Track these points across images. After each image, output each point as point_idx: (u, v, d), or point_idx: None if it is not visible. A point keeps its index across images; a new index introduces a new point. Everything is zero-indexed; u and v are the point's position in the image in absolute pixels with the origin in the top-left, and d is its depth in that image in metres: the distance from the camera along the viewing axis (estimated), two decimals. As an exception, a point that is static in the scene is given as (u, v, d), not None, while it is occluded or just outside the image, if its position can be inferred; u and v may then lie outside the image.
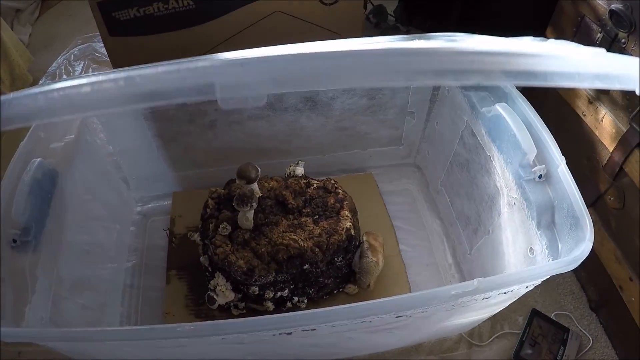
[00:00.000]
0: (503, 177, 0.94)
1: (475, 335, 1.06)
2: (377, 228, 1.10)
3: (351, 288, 1.04)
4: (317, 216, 0.98)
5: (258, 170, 0.94)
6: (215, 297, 0.96)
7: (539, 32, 1.50)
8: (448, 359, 1.03)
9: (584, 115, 1.07)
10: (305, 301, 1.01)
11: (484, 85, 1.01)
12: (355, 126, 1.16)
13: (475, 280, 0.73)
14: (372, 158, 1.27)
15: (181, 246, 1.12)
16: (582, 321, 1.10)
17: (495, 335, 1.06)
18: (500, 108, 0.93)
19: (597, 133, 1.04)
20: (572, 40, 0.61)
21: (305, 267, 0.94)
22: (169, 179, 1.21)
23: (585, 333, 1.08)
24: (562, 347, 1.06)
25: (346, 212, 0.98)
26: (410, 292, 1.06)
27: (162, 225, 1.17)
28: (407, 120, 1.18)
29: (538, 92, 0.98)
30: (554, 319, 1.10)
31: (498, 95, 0.97)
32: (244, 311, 1.02)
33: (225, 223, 0.96)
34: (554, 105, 1.11)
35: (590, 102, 1.05)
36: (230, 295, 0.97)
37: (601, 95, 1.03)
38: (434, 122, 1.16)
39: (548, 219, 0.85)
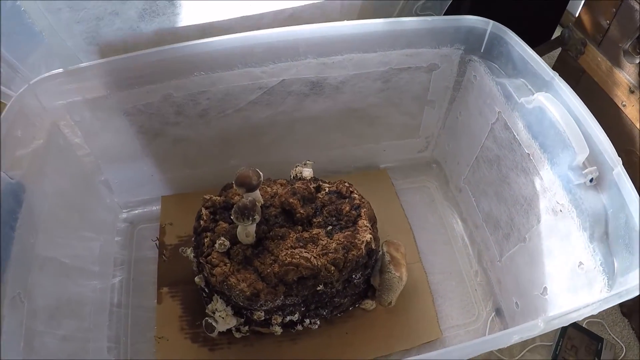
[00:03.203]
0: (546, 179, 0.76)
1: (505, 350, 0.89)
2: (394, 232, 0.92)
3: (368, 304, 0.86)
4: (330, 227, 0.78)
5: (260, 175, 0.74)
6: (214, 324, 0.78)
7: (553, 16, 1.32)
8: (477, 380, 0.87)
9: (624, 105, 0.89)
10: (318, 322, 0.82)
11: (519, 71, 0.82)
12: (365, 108, 0.95)
13: (539, 320, 0.56)
14: (386, 152, 1.07)
15: (173, 259, 0.92)
16: (614, 328, 0.95)
17: (527, 349, 0.89)
18: (543, 99, 0.74)
19: (638, 126, 0.87)
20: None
21: (318, 289, 0.75)
22: (157, 181, 0.99)
23: (618, 341, 0.93)
24: (596, 359, 0.91)
25: (365, 222, 0.78)
26: (434, 305, 0.89)
27: (151, 233, 0.97)
28: (427, 110, 0.97)
29: (570, 79, 0.81)
30: (586, 327, 0.95)
31: (537, 83, 0.78)
32: (248, 334, 0.84)
33: (222, 238, 0.76)
34: (589, 93, 0.93)
35: (631, 92, 0.87)
36: (232, 321, 0.78)
37: (645, 84, 0.85)
38: (457, 112, 0.96)
39: (601, 230, 0.68)
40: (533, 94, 0.78)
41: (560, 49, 1.05)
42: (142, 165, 0.94)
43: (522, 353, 0.89)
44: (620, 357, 0.92)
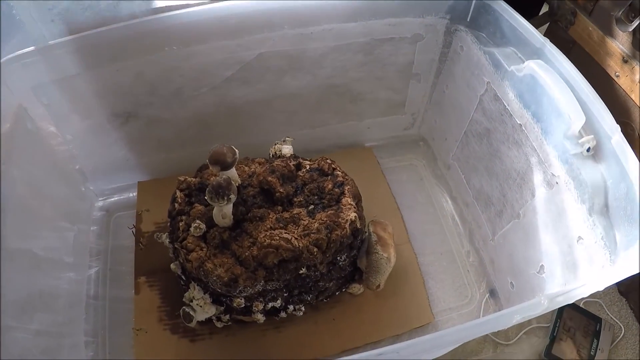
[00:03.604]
0: (539, 150, 0.69)
1: (501, 332, 0.83)
2: (381, 212, 0.86)
3: (356, 287, 0.80)
4: (312, 206, 0.72)
5: (235, 152, 0.67)
6: (192, 313, 0.71)
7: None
8: (472, 363, 0.82)
9: (617, 76, 0.83)
10: (303, 308, 0.76)
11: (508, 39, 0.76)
12: (347, 83, 0.88)
13: (541, 298, 0.50)
14: (370, 130, 1.00)
15: (150, 247, 0.85)
16: (612, 308, 0.89)
17: (523, 332, 0.83)
18: (535, 65, 0.68)
19: (632, 97, 0.80)
20: None
21: (301, 272, 0.68)
22: (133, 166, 0.92)
23: (617, 321, 0.87)
24: (595, 340, 0.85)
25: (349, 200, 0.72)
26: (424, 288, 0.83)
27: (128, 221, 0.90)
28: (412, 84, 0.90)
29: (561, 51, 0.75)
30: (583, 307, 0.89)
31: (527, 51, 0.72)
32: (229, 323, 0.77)
33: (198, 221, 0.69)
34: (581, 65, 0.86)
35: (625, 61, 0.80)
36: (211, 310, 0.72)
37: (638, 54, 0.78)
38: (443, 85, 0.90)
39: (601, 202, 0.62)
40: (523, 62, 0.71)
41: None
42: (117, 149, 0.87)
43: (519, 335, 0.83)
44: (619, 337, 0.86)
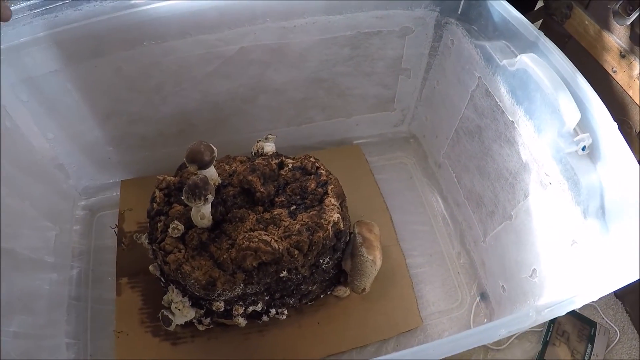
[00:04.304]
0: (532, 148, 0.64)
1: (492, 336, 0.77)
2: (370, 212, 0.80)
3: (341, 290, 0.74)
4: (294, 206, 0.66)
5: (213, 150, 0.61)
6: (170, 316, 0.66)
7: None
8: (462, 369, 0.76)
9: (615, 71, 0.77)
10: (286, 312, 0.71)
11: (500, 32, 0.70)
12: (334, 78, 0.82)
13: (529, 310, 0.45)
14: (358, 127, 0.93)
15: (133, 247, 0.79)
16: (607, 311, 0.82)
17: (515, 337, 0.77)
18: (528, 59, 0.62)
19: (630, 93, 0.74)
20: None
21: (282, 275, 0.63)
22: (115, 165, 0.87)
23: (612, 325, 0.81)
24: (589, 345, 0.79)
25: (332, 200, 0.66)
26: (413, 291, 0.77)
27: (111, 221, 0.84)
28: (401, 80, 0.84)
29: (555, 43, 0.70)
30: (578, 311, 0.83)
31: (520, 45, 0.66)
32: (211, 326, 0.72)
33: (176, 221, 0.64)
34: (577, 60, 0.80)
35: (622, 56, 0.74)
36: (190, 313, 0.67)
37: (636, 48, 0.72)
38: (434, 81, 0.84)
39: (596, 204, 0.56)
40: (516, 55, 0.66)
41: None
42: (99, 147, 0.82)
43: (510, 340, 0.77)
44: (615, 342, 0.80)
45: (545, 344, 0.77)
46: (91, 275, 0.81)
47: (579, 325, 0.81)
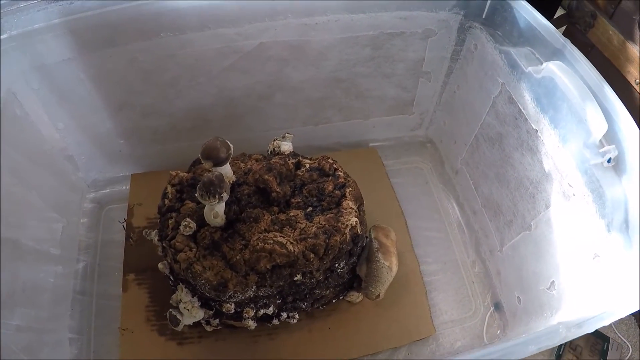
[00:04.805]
0: (556, 158, 0.61)
1: (504, 348, 0.75)
2: (385, 216, 0.77)
3: (354, 296, 0.72)
4: (310, 208, 0.64)
5: (230, 147, 0.59)
6: (178, 316, 0.64)
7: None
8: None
9: (638, 83, 0.74)
10: (297, 316, 0.68)
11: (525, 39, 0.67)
12: (353, 79, 0.79)
13: (560, 327, 0.42)
14: (375, 129, 0.91)
15: (141, 243, 0.77)
16: (620, 326, 0.80)
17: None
18: (555, 67, 0.60)
19: (653, 105, 0.72)
20: None
21: (296, 279, 0.60)
22: (126, 158, 0.84)
23: (625, 340, 0.78)
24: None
25: (349, 203, 0.64)
26: (426, 298, 0.75)
27: (120, 215, 0.82)
28: (421, 83, 0.82)
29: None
30: (591, 324, 0.80)
31: (546, 53, 0.63)
32: (219, 327, 0.70)
33: (188, 219, 0.61)
34: (599, 69, 0.78)
35: (646, 68, 0.72)
36: (199, 314, 0.64)
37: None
38: (454, 85, 0.81)
39: (621, 217, 0.53)
40: (541, 63, 0.63)
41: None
42: (110, 139, 0.80)
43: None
44: (627, 358, 0.78)
45: (558, 358, 0.75)
46: (97, 269, 0.79)
47: (592, 339, 0.78)
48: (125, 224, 0.80)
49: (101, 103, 0.75)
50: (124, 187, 0.86)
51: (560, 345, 0.76)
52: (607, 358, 0.77)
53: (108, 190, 0.87)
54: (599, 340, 0.79)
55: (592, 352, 0.77)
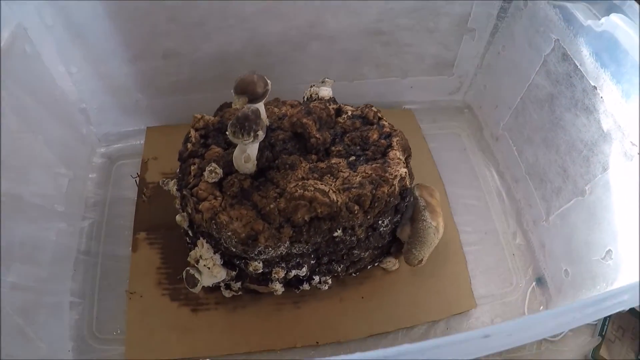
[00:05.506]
0: (617, 115, 0.55)
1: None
2: (422, 182, 0.70)
3: (390, 262, 0.64)
4: (353, 157, 0.57)
5: (267, 82, 0.51)
6: (197, 275, 0.56)
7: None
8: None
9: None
10: (329, 281, 0.61)
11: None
12: (394, 31, 0.72)
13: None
14: (412, 90, 0.84)
15: (154, 199, 0.69)
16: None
17: (570, 329, 0.69)
18: (618, 19, 0.54)
19: None
20: None
21: (335, 235, 0.53)
22: (143, 109, 0.76)
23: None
24: (643, 343, 0.71)
25: (397, 153, 0.56)
26: (467, 269, 0.68)
27: (132, 171, 0.74)
28: (465, 41, 0.75)
29: None
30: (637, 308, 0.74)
31: (604, 8, 0.58)
32: (240, 293, 0.62)
33: (214, 164, 0.54)
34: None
35: None
36: (220, 274, 0.56)
37: None
38: (499, 45, 0.75)
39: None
40: (599, 19, 0.58)
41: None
42: (126, 87, 0.72)
43: (564, 332, 0.68)
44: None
45: (601, 339, 0.68)
46: (105, 228, 0.71)
47: (634, 322, 0.72)
48: (137, 179, 0.71)
49: (120, 46, 0.67)
50: (138, 142, 0.78)
51: (604, 327, 0.69)
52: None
53: (120, 145, 0.79)
54: (641, 323, 0.72)
55: (635, 334, 0.71)
